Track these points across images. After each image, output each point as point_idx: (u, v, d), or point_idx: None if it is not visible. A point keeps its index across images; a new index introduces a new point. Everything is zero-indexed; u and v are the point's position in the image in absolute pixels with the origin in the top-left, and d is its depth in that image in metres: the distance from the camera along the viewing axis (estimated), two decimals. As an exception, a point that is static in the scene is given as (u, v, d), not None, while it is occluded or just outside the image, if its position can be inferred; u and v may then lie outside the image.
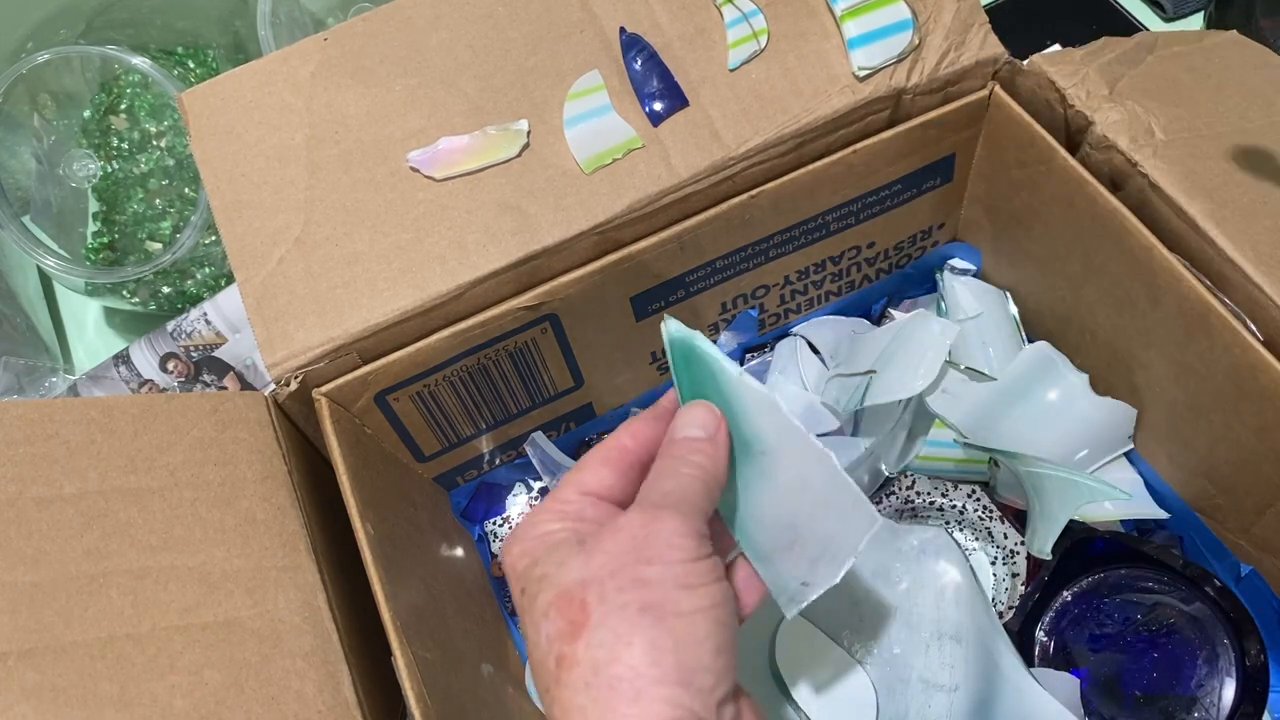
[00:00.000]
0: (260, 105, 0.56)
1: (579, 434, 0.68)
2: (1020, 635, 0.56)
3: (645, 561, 0.34)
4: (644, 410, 0.43)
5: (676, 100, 0.55)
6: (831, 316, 0.70)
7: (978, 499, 0.63)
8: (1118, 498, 0.55)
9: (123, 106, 0.79)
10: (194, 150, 0.56)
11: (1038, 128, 0.56)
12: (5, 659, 0.40)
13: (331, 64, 0.57)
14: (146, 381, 0.73)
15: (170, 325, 0.74)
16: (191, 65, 0.80)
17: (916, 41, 0.56)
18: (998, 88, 0.58)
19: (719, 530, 0.41)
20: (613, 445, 0.41)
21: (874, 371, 0.62)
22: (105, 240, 0.78)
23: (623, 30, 0.57)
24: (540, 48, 0.57)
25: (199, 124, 0.56)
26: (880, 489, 0.65)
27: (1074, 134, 0.56)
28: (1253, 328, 0.48)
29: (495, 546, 0.68)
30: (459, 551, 0.65)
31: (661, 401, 0.43)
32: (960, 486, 0.64)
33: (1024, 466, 0.56)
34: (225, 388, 0.73)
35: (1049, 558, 0.56)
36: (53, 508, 0.44)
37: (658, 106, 0.55)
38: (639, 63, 0.56)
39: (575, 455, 0.68)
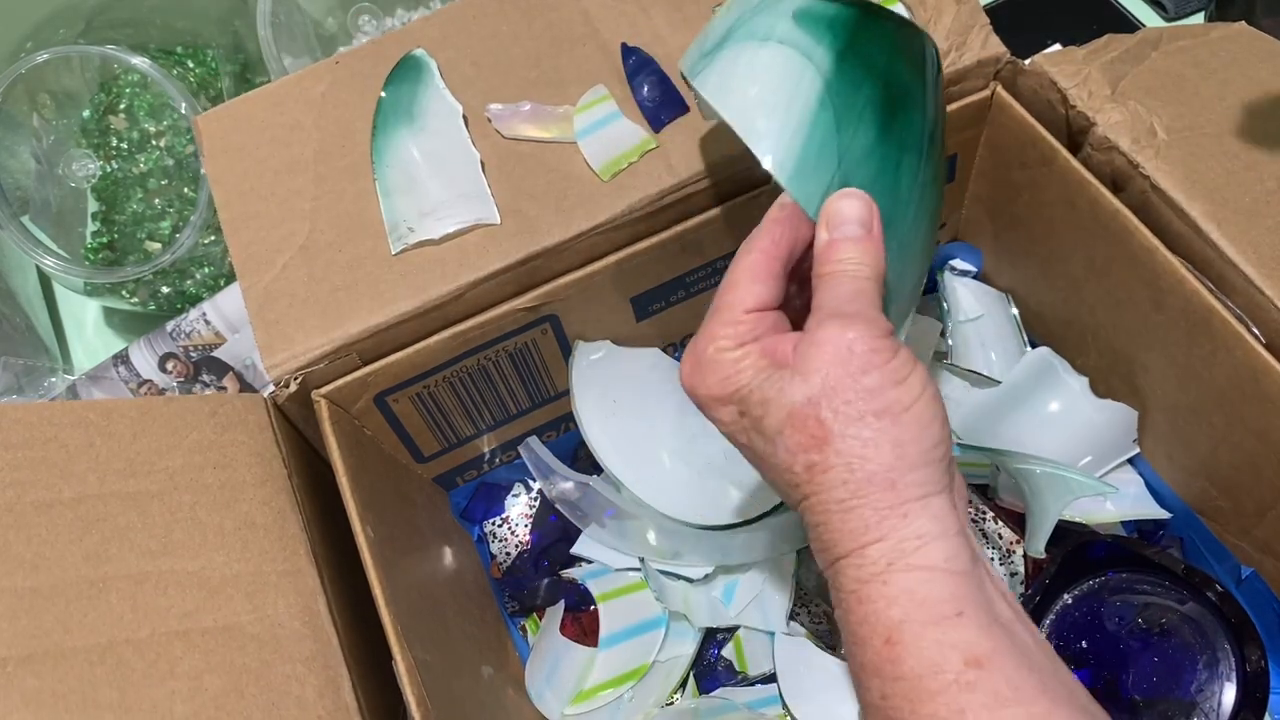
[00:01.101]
0: (272, 124, 0.57)
1: (579, 434, 0.68)
2: (1021, 637, 0.55)
3: (861, 371, 0.37)
4: (770, 210, 0.43)
5: (677, 106, 0.55)
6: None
7: (970, 501, 0.63)
8: (1107, 491, 0.55)
9: (122, 106, 0.78)
10: (206, 170, 0.57)
11: (1039, 128, 0.56)
12: (4, 665, 0.40)
13: (342, 84, 0.58)
14: (146, 381, 0.73)
15: (169, 325, 0.73)
16: (191, 65, 0.80)
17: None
18: (999, 88, 0.57)
19: None
20: (755, 257, 0.42)
21: None
22: (104, 240, 0.78)
23: (624, 44, 0.57)
24: (543, 61, 0.57)
25: (212, 145, 0.57)
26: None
27: (1075, 134, 0.56)
28: (1255, 330, 0.48)
29: (495, 547, 0.68)
30: (459, 552, 0.65)
31: (782, 199, 0.43)
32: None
33: (1014, 464, 0.56)
34: (224, 388, 0.73)
35: (1043, 556, 0.55)
36: (51, 512, 0.44)
37: (658, 112, 0.55)
38: (640, 73, 0.56)
39: (575, 455, 0.68)
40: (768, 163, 0.42)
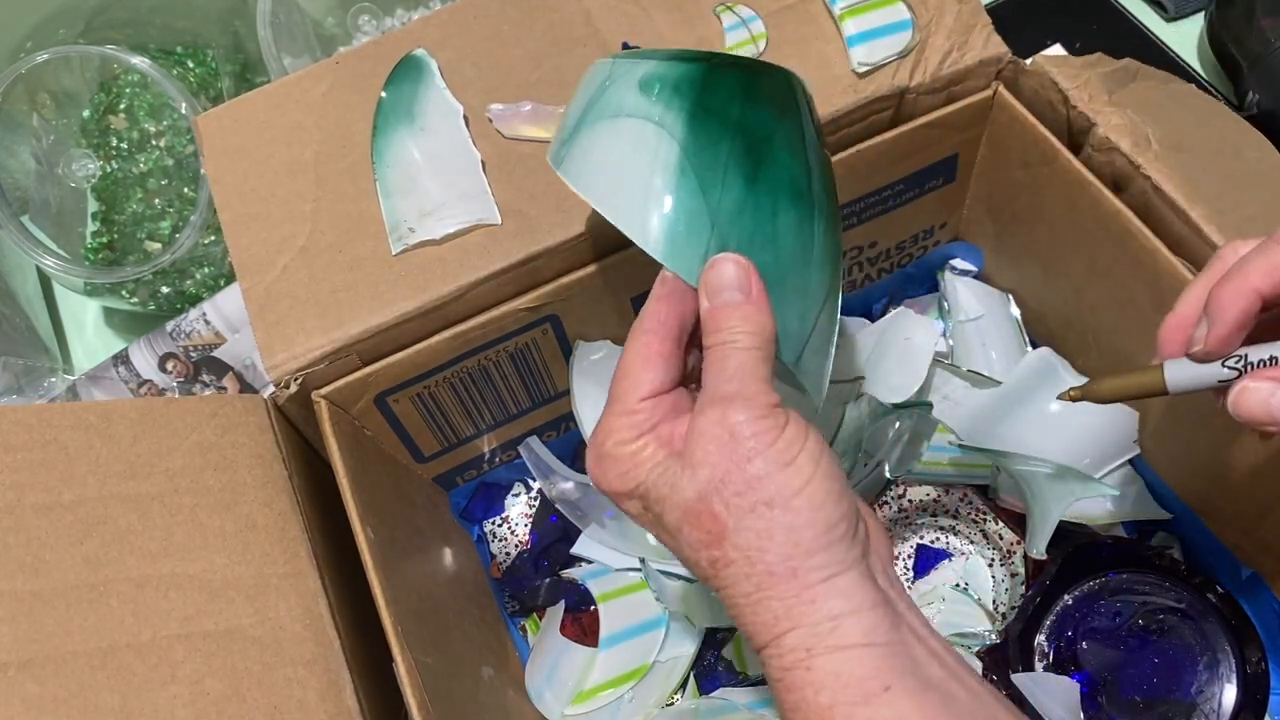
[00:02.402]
0: (272, 125, 0.57)
1: (579, 434, 0.68)
2: (1021, 639, 0.56)
3: (746, 459, 0.37)
4: (653, 289, 0.42)
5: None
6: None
7: (970, 501, 0.63)
8: (1107, 492, 0.55)
9: (122, 106, 0.78)
10: (207, 170, 0.57)
11: (1041, 128, 0.56)
12: (5, 669, 0.40)
13: (343, 84, 0.58)
14: (146, 382, 0.73)
15: (169, 325, 0.73)
16: (191, 65, 0.80)
17: (916, 40, 0.56)
18: (1001, 88, 0.57)
19: None
20: (644, 340, 0.41)
21: (862, 378, 0.62)
22: (104, 240, 0.78)
23: (625, 44, 0.57)
24: (544, 62, 0.57)
25: (212, 145, 0.57)
26: (876, 495, 0.65)
27: (1076, 135, 0.56)
28: (1255, 331, 0.48)
29: (495, 547, 0.68)
30: (459, 553, 0.65)
31: (662, 275, 0.42)
32: (952, 490, 0.64)
33: (1015, 465, 0.56)
34: (224, 388, 0.73)
35: (1044, 557, 0.56)
36: (51, 515, 0.44)
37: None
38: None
39: (576, 454, 0.68)
40: (639, 241, 0.41)
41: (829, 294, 0.44)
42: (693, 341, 0.43)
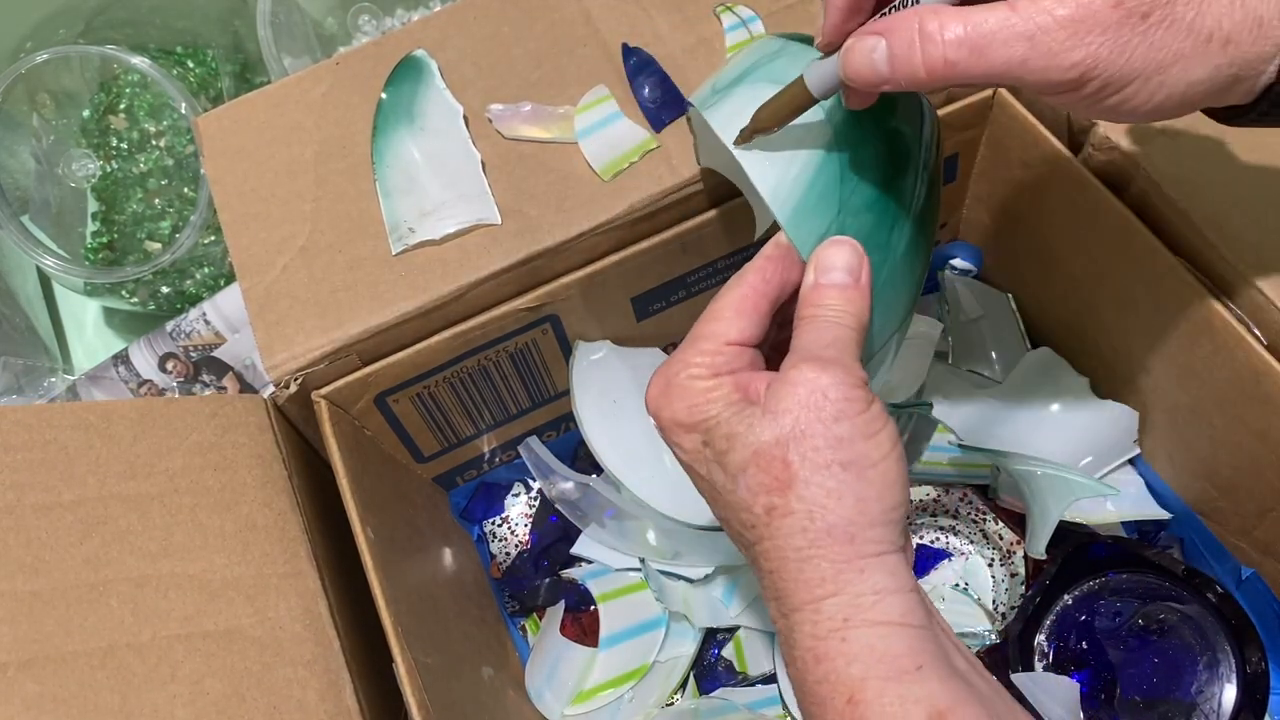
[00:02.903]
0: (272, 125, 0.57)
1: (579, 434, 0.68)
2: (1021, 639, 0.56)
3: (833, 419, 0.37)
4: (764, 248, 0.42)
5: (678, 106, 0.55)
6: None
7: (970, 501, 0.63)
8: (1107, 492, 0.55)
9: (122, 106, 0.78)
10: (207, 170, 0.57)
11: (1041, 128, 0.56)
12: (5, 669, 0.40)
13: (343, 85, 0.58)
14: (146, 382, 0.73)
15: (169, 325, 0.73)
16: (190, 65, 0.80)
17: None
18: (1001, 88, 0.57)
19: None
20: (744, 291, 0.41)
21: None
22: (104, 240, 0.78)
23: (625, 45, 0.57)
24: (545, 62, 0.57)
25: (212, 146, 0.57)
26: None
27: (1076, 134, 0.55)
28: (1255, 331, 0.48)
29: (495, 547, 0.68)
30: (459, 552, 0.65)
31: (778, 237, 0.42)
32: (952, 490, 0.64)
33: (1015, 465, 0.56)
34: (224, 388, 0.73)
35: (1044, 557, 0.56)
36: (52, 515, 0.44)
37: (659, 113, 0.55)
38: (641, 73, 0.56)
39: (575, 455, 0.68)
40: (768, 199, 0.42)
41: (904, 321, 0.45)
42: (776, 316, 0.43)
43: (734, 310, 0.41)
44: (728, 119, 0.43)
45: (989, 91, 0.58)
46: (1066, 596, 0.56)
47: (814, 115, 0.42)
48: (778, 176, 0.42)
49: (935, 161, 0.46)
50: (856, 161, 0.42)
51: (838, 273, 0.40)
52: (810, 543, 0.36)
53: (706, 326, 0.41)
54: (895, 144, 0.43)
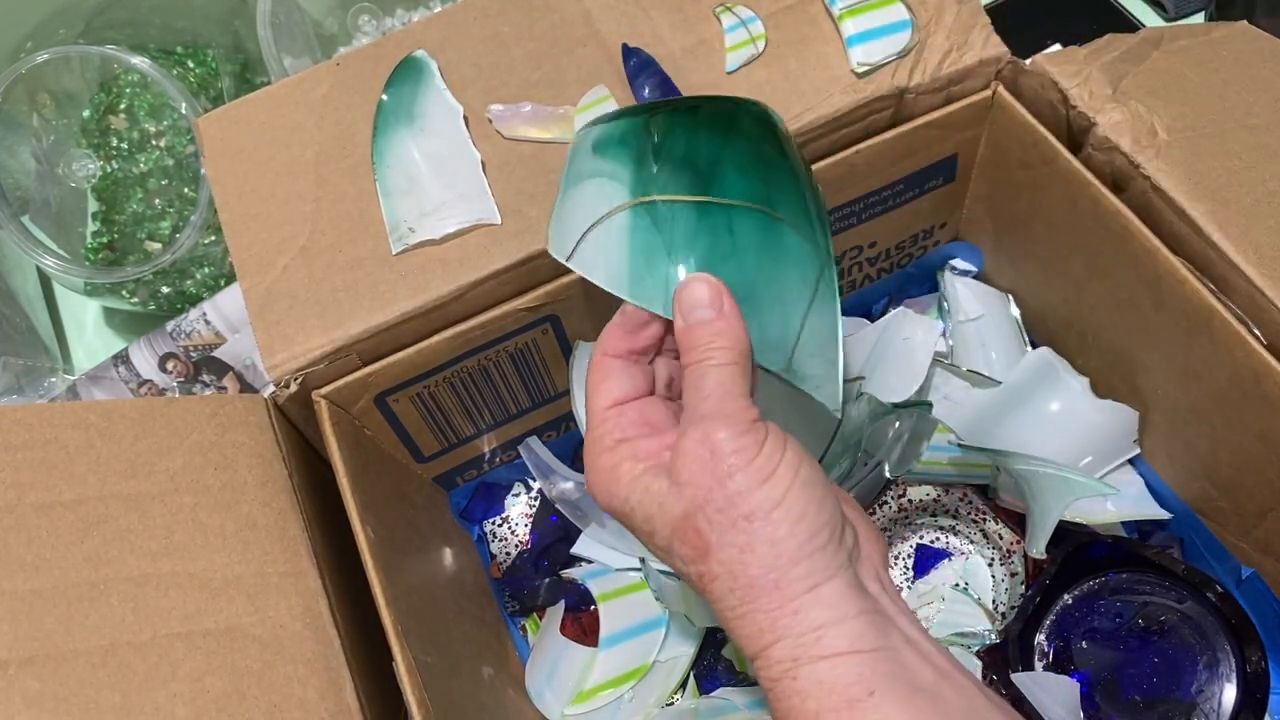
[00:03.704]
0: (272, 126, 0.57)
1: (579, 434, 0.68)
2: (1021, 638, 0.56)
3: (727, 476, 0.37)
4: (611, 322, 0.44)
5: (678, 107, 0.55)
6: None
7: (970, 501, 0.63)
8: (1107, 492, 0.55)
9: (122, 106, 0.78)
10: (208, 171, 0.57)
11: (1040, 128, 0.56)
12: (6, 668, 0.40)
13: (343, 86, 0.58)
14: (146, 382, 0.73)
15: (170, 325, 0.73)
16: (191, 65, 0.80)
17: (915, 40, 0.56)
18: (1000, 88, 0.57)
19: None
20: (598, 359, 0.43)
21: (863, 378, 0.62)
22: (104, 240, 0.78)
23: (625, 45, 0.57)
24: (545, 63, 0.57)
25: (213, 147, 0.57)
26: (876, 495, 0.65)
27: (1076, 134, 0.56)
28: (1255, 331, 0.48)
29: (495, 547, 0.68)
30: (459, 552, 0.65)
31: (623, 307, 0.43)
32: (952, 490, 0.64)
33: (1015, 465, 0.56)
34: (224, 388, 0.73)
35: (1044, 557, 0.56)
36: (52, 514, 0.44)
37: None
38: (641, 74, 0.56)
39: (575, 454, 0.68)
40: (606, 286, 0.43)
41: (815, 295, 0.45)
42: (663, 354, 0.44)
43: (598, 377, 0.42)
44: (557, 239, 0.46)
45: (988, 91, 0.58)
46: (1066, 596, 0.56)
47: (611, 189, 0.44)
48: (604, 261, 0.43)
49: (762, 141, 0.46)
50: (664, 201, 0.43)
51: (699, 310, 0.41)
52: (740, 600, 0.37)
53: (588, 404, 0.43)
54: (695, 161, 0.44)
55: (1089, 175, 0.54)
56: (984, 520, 0.63)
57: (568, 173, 0.47)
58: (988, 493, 0.63)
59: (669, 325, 0.42)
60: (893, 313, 0.65)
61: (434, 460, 0.64)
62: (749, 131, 0.46)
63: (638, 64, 0.57)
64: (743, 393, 0.39)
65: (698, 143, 0.44)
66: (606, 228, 0.43)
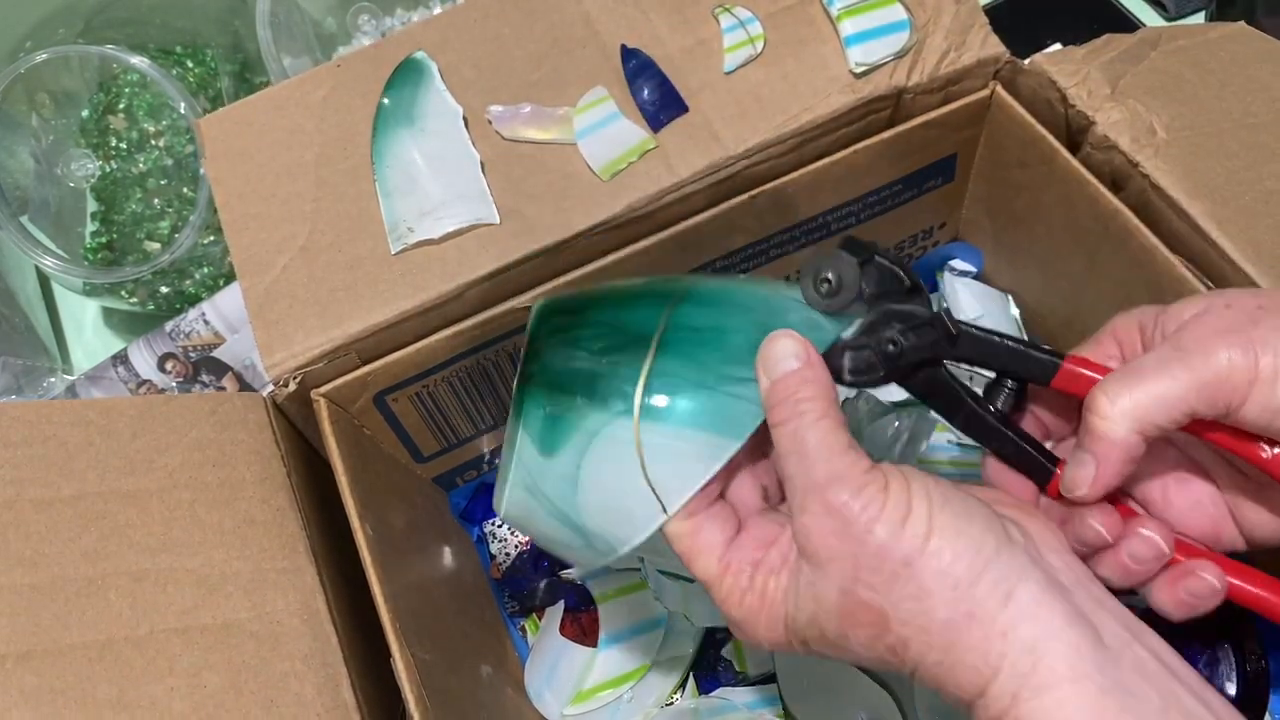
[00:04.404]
0: (273, 128, 0.58)
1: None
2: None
3: (865, 534, 0.34)
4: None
5: (676, 107, 0.55)
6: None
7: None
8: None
9: (121, 106, 0.78)
10: (208, 172, 0.57)
11: (1039, 128, 0.56)
12: (3, 661, 0.40)
13: (343, 87, 0.58)
14: (145, 382, 0.73)
15: (169, 325, 0.73)
16: (190, 65, 0.80)
17: (914, 40, 0.56)
18: (999, 87, 0.57)
19: None
20: (693, 529, 0.39)
21: None
22: (104, 240, 0.78)
23: (624, 46, 0.57)
24: (544, 63, 0.58)
25: (214, 147, 0.58)
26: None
27: (1075, 134, 0.56)
28: (1254, 329, 0.48)
29: (494, 547, 0.68)
30: (458, 552, 0.65)
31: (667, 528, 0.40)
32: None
33: None
34: (224, 388, 0.73)
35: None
36: (51, 509, 0.44)
37: (658, 114, 0.55)
38: (640, 75, 0.56)
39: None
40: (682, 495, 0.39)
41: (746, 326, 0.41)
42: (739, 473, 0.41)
43: (688, 544, 0.39)
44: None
45: (987, 91, 0.58)
46: (1066, 595, 0.56)
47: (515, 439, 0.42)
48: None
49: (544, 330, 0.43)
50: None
51: (785, 361, 0.38)
52: (944, 650, 0.34)
53: (696, 569, 0.39)
54: (555, 374, 0.41)
55: (1088, 174, 0.54)
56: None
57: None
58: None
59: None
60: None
61: (434, 460, 0.64)
62: (536, 331, 0.44)
63: (637, 65, 0.57)
64: (847, 445, 0.36)
65: (556, 363, 0.42)
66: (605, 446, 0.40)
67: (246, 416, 0.51)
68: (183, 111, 0.73)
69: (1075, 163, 0.54)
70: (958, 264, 0.69)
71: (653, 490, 0.38)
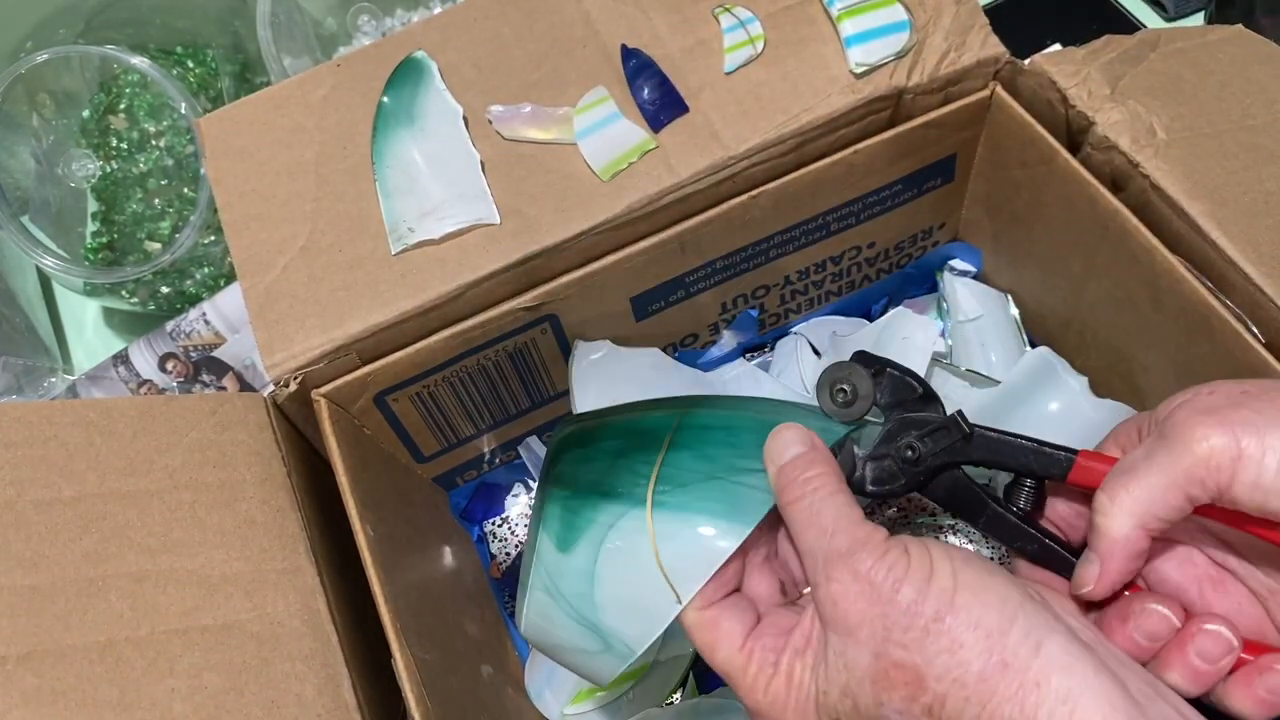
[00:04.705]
0: (273, 127, 0.58)
1: (579, 434, 0.68)
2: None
3: (894, 594, 0.34)
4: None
5: (677, 107, 0.55)
6: (832, 316, 0.70)
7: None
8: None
9: (122, 106, 0.78)
10: (208, 171, 0.57)
11: (1039, 128, 0.56)
12: (4, 662, 0.40)
13: (344, 87, 0.58)
14: (145, 382, 0.73)
15: (169, 325, 0.73)
16: (190, 65, 0.80)
17: (914, 41, 0.56)
18: (999, 88, 0.57)
19: None
20: (712, 621, 0.39)
21: None
22: (104, 240, 0.78)
23: (624, 46, 0.57)
24: (544, 63, 0.58)
25: (214, 147, 0.58)
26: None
27: (1075, 134, 0.56)
28: (1254, 329, 0.48)
29: (494, 547, 0.68)
30: (458, 552, 0.65)
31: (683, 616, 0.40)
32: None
33: None
34: (224, 388, 0.73)
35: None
36: (51, 510, 0.44)
37: (658, 114, 0.55)
38: (640, 75, 0.56)
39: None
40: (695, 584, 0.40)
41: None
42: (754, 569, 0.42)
43: (708, 637, 0.39)
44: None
45: (987, 91, 0.58)
46: (1065, 595, 0.56)
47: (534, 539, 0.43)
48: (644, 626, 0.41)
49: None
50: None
51: (791, 449, 0.39)
52: (981, 704, 0.33)
53: (717, 662, 0.39)
54: (578, 479, 0.43)
55: (1087, 175, 0.54)
56: (983, 520, 0.63)
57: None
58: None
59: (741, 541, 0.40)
60: (891, 313, 0.65)
61: (434, 460, 0.64)
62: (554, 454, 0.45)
63: (637, 65, 0.57)
64: (863, 517, 0.37)
65: (577, 472, 0.43)
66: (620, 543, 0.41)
67: (247, 417, 0.51)
68: (183, 111, 0.73)
69: (1075, 163, 0.54)
70: (957, 264, 0.69)
71: (667, 579, 0.39)
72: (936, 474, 0.41)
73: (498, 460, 0.68)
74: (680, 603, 0.39)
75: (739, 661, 0.38)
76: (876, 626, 0.34)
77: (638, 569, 0.39)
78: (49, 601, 0.42)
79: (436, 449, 0.63)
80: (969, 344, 0.65)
